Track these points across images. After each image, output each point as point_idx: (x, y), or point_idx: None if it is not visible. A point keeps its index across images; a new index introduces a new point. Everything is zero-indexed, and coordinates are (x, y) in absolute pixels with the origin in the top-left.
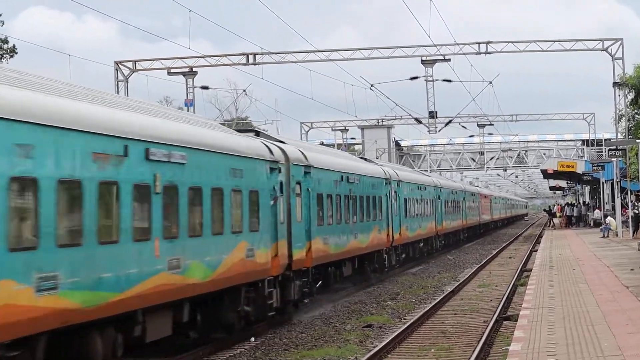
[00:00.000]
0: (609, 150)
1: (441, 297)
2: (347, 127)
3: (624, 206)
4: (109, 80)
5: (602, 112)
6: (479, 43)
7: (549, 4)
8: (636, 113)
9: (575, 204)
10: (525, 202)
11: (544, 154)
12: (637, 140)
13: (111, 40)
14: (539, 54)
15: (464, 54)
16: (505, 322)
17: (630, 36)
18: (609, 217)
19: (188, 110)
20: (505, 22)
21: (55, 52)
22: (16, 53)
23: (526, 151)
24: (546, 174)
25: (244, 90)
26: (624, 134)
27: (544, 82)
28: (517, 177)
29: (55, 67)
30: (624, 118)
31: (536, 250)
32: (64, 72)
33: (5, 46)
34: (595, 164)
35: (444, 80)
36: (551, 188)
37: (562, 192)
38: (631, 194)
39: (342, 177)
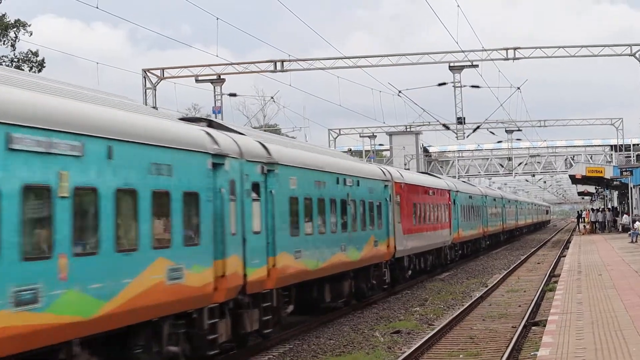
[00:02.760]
0: (638, 155)
1: (469, 302)
2: (375, 134)
3: None
4: (137, 88)
5: (630, 117)
6: (506, 49)
7: (559, 12)
8: None
9: (600, 209)
10: (546, 206)
11: (572, 159)
12: None
13: (123, 46)
14: (566, 60)
15: (491, 60)
16: (533, 327)
17: None
18: (637, 222)
19: (216, 117)
20: (524, 31)
21: (82, 60)
22: (44, 67)
23: (554, 157)
24: (574, 180)
25: (272, 97)
26: None
27: (572, 87)
28: (545, 182)
29: (83, 75)
30: None
31: (564, 256)
32: (93, 81)
33: (35, 59)
34: (623, 169)
35: (472, 86)
36: (579, 193)
37: (590, 197)
38: None
39: (324, 177)
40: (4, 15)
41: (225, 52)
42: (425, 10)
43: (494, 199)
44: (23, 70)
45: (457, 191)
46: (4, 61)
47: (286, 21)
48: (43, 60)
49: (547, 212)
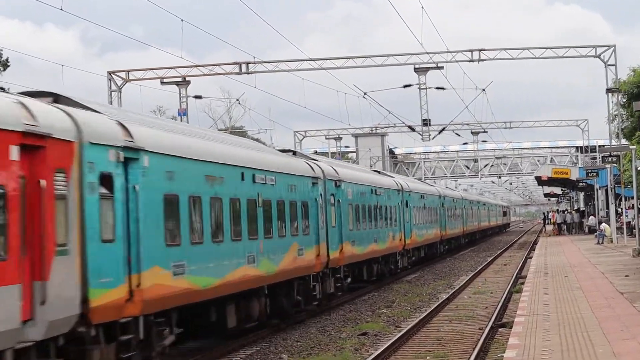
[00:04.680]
0: (603, 156)
1: (436, 304)
2: (340, 136)
3: (618, 213)
4: (102, 90)
5: (595, 119)
6: (471, 50)
7: (516, 14)
8: (628, 117)
9: (567, 210)
10: (504, 206)
11: (538, 160)
12: (631, 147)
13: (77, 48)
14: (531, 62)
15: (456, 61)
16: (500, 329)
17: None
18: (603, 224)
19: (181, 119)
20: (488, 32)
21: (45, 62)
22: (8, 66)
23: (520, 158)
24: (540, 181)
25: (237, 100)
26: (616, 134)
27: (537, 89)
28: (511, 184)
29: (39, 77)
30: (616, 119)
31: (531, 257)
32: (58, 83)
33: None
34: (589, 171)
35: (437, 88)
36: (546, 195)
37: (556, 199)
38: (625, 200)
39: (364, 189)
40: None
41: (185, 55)
42: (377, 12)
43: (454, 200)
44: None
45: (410, 191)
46: None
47: (244, 23)
48: (7, 60)
49: (505, 213)
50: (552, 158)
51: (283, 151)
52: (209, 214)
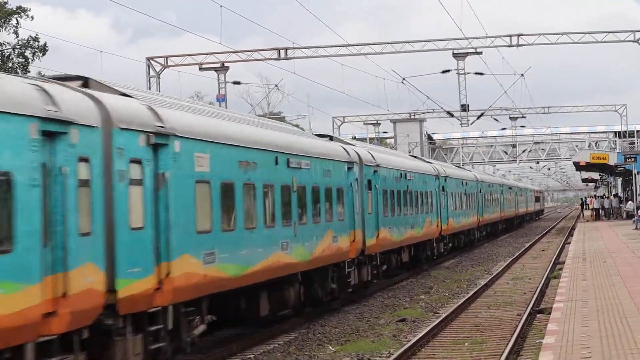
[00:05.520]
0: None
1: (474, 290)
2: (379, 121)
3: None
4: (140, 76)
5: (634, 104)
6: (510, 36)
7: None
8: None
9: (604, 196)
10: (536, 190)
11: (576, 146)
12: None
13: (109, 35)
14: (570, 47)
15: (495, 46)
16: (538, 315)
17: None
18: None
19: (220, 105)
20: (523, 19)
21: (80, 49)
22: (47, 50)
23: (559, 143)
24: (578, 166)
25: (276, 85)
26: None
27: (575, 74)
28: (549, 169)
29: (80, 65)
30: None
31: (569, 243)
32: (95, 70)
33: (36, 44)
34: (627, 156)
35: (476, 73)
36: (584, 180)
37: (594, 184)
38: None
39: (401, 174)
40: (5, 2)
41: (219, 40)
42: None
43: (491, 185)
44: (26, 56)
45: (447, 176)
46: (5, 48)
47: (280, 10)
48: (45, 45)
49: (537, 199)
50: (590, 143)
51: (320, 136)
52: (241, 200)
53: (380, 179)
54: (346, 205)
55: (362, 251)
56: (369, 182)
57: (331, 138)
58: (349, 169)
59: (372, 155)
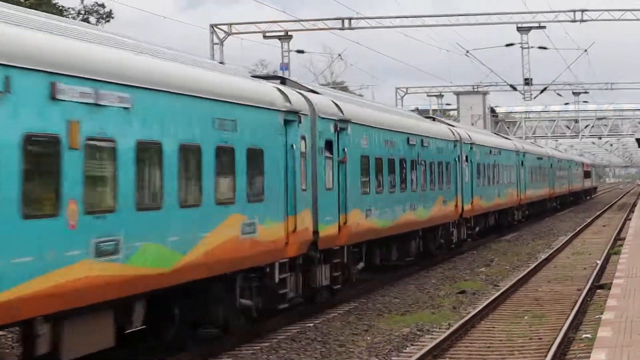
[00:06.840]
0: None
1: (535, 264)
2: (442, 93)
3: None
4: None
5: None
6: (574, 11)
7: None
8: None
9: None
10: (586, 163)
11: (639, 122)
12: None
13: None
14: (634, 23)
15: (559, 21)
16: (598, 290)
17: None
18: None
19: (283, 74)
20: None
21: (149, 14)
22: (112, 17)
23: (621, 120)
24: None
25: (339, 55)
26: None
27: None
28: (611, 145)
29: (147, 30)
30: None
31: (630, 219)
32: (156, 35)
33: (102, 10)
34: None
35: (539, 48)
36: None
37: None
38: None
39: (490, 151)
40: None
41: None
42: None
43: (559, 161)
44: (90, 22)
45: (525, 152)
46: (70, 14)
47: None
48: (111, 12)
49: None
50: None
51: (426, 117)
52: (387, 170)
53: (474, 154)
54: (452, 176)
55: (461, 214)
56: (467, 157)
57: (434, 119)
58: (454, 146)
59: (468, 134)
